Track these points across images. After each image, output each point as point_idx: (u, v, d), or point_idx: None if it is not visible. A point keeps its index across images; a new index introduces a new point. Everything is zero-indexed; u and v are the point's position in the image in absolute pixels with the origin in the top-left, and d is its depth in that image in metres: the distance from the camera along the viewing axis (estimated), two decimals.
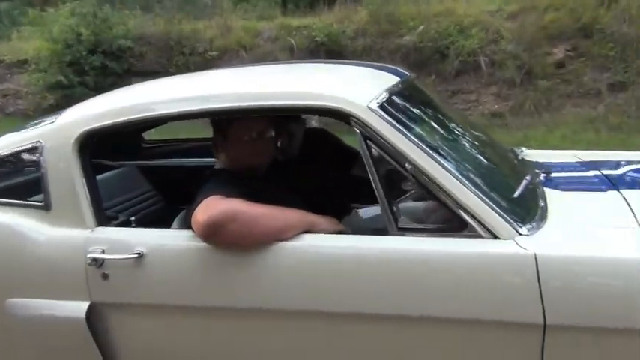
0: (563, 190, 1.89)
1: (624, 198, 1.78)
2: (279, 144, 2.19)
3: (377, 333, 1.62)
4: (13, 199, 1.95)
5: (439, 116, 2.07)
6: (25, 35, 10.01)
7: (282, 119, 2.17)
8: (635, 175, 2.15)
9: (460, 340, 1.56)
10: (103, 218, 1.87)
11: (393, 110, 1.72)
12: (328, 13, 9.60)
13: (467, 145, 2.01)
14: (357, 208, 2.56)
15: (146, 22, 9.71)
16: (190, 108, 1.80)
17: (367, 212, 2.59)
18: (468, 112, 7.72)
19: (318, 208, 1.81)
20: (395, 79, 2.01)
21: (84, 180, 1.84)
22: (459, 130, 2.08)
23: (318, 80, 1.96)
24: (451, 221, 1.58)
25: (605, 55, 7.60)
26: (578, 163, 2.27)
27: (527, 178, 1.82)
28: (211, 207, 1.64)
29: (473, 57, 8.12)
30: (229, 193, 1.70)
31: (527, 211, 1.65)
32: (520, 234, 1.53)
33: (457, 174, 1.59)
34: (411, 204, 1.70)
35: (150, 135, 3.41)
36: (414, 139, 1.63)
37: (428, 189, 1.59)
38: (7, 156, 2.00)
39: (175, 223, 1.99)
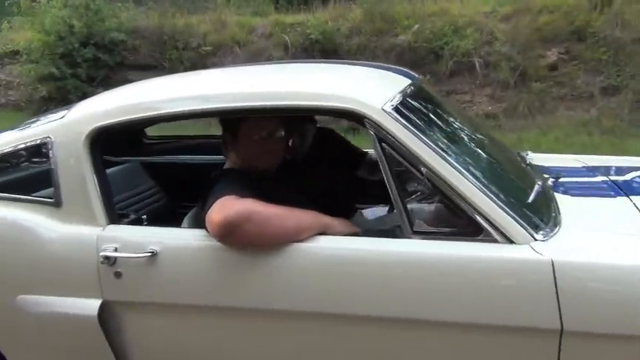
0: (573, 195, 1.91)
1: (635, 204, 1.80)
2: (290, 143, 2.18)
3: (391, 337, 1.62)
4: (22, 194, 1.93)
5: (450, 119, 2.08)
6: (15, 26, 9.88)
7: (295, 119, 2.17)
8: None
9: (476, 345, 1.56)
10: (115, 216, 1.86)
11: (406, 112, 1.73)
12: (322, 10, 9.58)
13: (478, 148, 2.02)
14: (361, 209, 2.58)
15: (139, 15, 9.62)
16: (204, 106, 1.79)
17: (372, 213, 2.60)
18: None
19: (324, 208, 1.81)
20: (406, 82, 2.01)
21: (95, 176, 1.83)
22: (470, 133, 2.09)
23: (331, 81, 1.96)
24: (466, 225, 1.59)
25: (598, 58, 7.65)
26: (584, 167, 2.29)
27: (539, 183, 1.84)
28: (227, 207, 1.64)
29: (467, 58, 8.14)
30: (242, 193, 1.70)
31: (541, 216, 1.66)
32: (535, 239, 1.54)
33: (472, 178, 1.60)
34: (425, 207, 1.71)
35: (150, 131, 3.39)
36: (429, 142, 1.63)
37: (443, 192, 1.60)
38: (15, 151, 1.97)
39: (185, 221, 1.98)
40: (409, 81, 2.03)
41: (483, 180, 1.63)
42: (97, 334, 1.77)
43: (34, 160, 1.99)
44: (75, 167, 1.83)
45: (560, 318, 1.47)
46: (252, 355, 1.76)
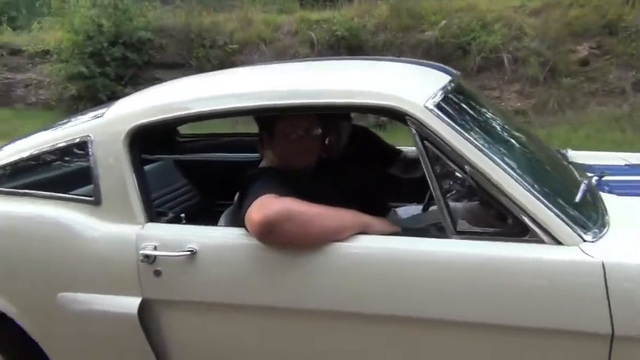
0: (619, 194, 1.86)
1: None
2: (326, 142, 2.16)
3: (433, 338, 1.60)
4: (62, 192, 1.94)
5: (490, 116, 2.04)
6: (45, 26, 10.03)
7: (331, 117, 2.15)
8: None
9: (522, 348, 1.53)
10: (154, 214, 1.86)
11: (448, 110, 1.70)
12: (348, 7, 9.55)
13: (520, 146, 1.97)
14: (394, 207, 2.56)
15: (166, 14, 9.70)
16: (243, 105, 1.78)
17: (406, 212, 2.57)
18: None
19: (359, 207, 1.79)
20: (446, 78, 1.98)
21: (134, 175, 1.84)
22: (510, 130, 2.04)
23: (371, 78, 1.93)
24: (511, 225, 1.55)
25: (630, 53, 7.50)
26: (628, 165, 2.23)
27: (585, 182, 1.79)
28: (266, 206, 1.62)
29: (495, 53, 8.04)
30: (281, 192, 1.69)
31: (588, 216, 1.61)
32: (584, 240, 1.50)
33: (517, 176, 1.56)
34: (468, 206, 1.67)
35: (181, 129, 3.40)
36: (472, 140, 1.60)
37: (487, 191, 1.56)
38: (55, 150, 1.98)
39: (222, 219, 1.98)
40: (448, 77, 2.00)
41: (528, 179, 1.59)
42: (136, 332, 1.78)
43: (74, 158, 2.00)
44: (114, 165, 1.84)
45: (612, 322, 1.42)
46: (292, 354, 1.75)
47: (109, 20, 8.92)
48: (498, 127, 1.99)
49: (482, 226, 1.60)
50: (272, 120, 1.95)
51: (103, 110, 2.01)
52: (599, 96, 7.53)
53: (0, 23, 11.19)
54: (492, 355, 1.57)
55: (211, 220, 2.00)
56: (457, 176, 1.60)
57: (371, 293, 1.60)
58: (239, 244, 1.71)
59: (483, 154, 1.57)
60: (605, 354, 1.45)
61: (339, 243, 1.63)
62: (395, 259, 1.60)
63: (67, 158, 2.03)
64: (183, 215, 2.05)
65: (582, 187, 1.74)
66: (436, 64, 2.28)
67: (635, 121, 6.96)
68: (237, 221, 1.83)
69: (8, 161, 2.06)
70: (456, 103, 1.81)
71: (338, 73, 2.12)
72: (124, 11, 9.12)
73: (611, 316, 1.42)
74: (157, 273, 1.75)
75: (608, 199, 1.79)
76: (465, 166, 1.57)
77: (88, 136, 1.89)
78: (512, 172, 1.56)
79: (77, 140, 1.93)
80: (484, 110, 2.04)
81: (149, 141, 2.80)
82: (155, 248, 1.74)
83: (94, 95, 8.84)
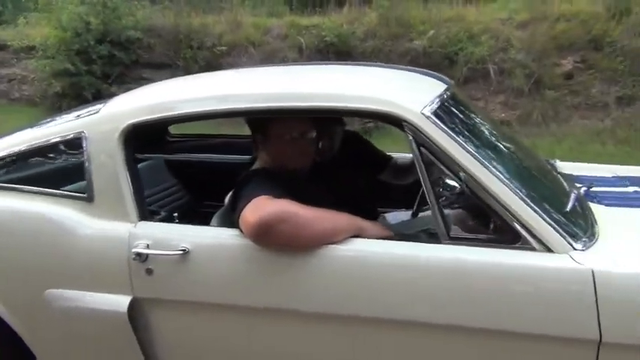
0: (607, 205, 1.89)
1: None
2: (320, 145, 2.17)
3: (425, 341, 1.61)
4: (54, 188, 1.93)
5: (484, 125, 2.07)
6: (32, 21, 9.93)
7: (325, 121, 2.16)
8: None
9: (511, 353, 1.55)
10: (146, 212, 1.85)
11: (445, 117, 1.72)
12: (338, 13, 9.60)
13: (513, 156, 2.00)
14: (383, 213, 2.57)
15: (155, 14, 9.66)
16: (243, 106, 1.78)
17: (394, 217, 2.59)
18: None
19: (348, 211, 1.79)
20: (442, 86, 2.00)
21: (128, 173, 1.83)
22: (503, 139, 2.07)
23: (368, 84, 1.95)
24: (504, 232, 1.58)
25: (614, 68, 7.62)
26: (615, 177, 2.27)
27: (575, 192, 1.82)
28: (261, 207, 1.63)
29: (482, 64, 8.13)
30: (276, 193, 1.69)
31: (579, 225, 1.64)
32: (575, 249, 1.52)
33: (510, 184, 1.58)
34: (461, 213, 1.69)
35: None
36: (468, 147, 1.62)
37: (481, 198, 1.58)
38: (48, 145, 1.97)
39: (214, 220, 1.97)
40: (444, 85, 2.02)
41: (521, 187, 1.61)
42: (126, 330, 1.77)
43: (67, 154, 1.98)
44: (108, 163, 1.83)
45: (600, 328, 1.45)
46: (282, 355, 1.75)
47: (98, 18, 8.85)
48: (492, 137, 2.02)
49: (479, 233, 1.61)
50: (267, 122, 1.96)
51: (98, 107, 2.00)
52: (582, 109, 7.65)
53: None
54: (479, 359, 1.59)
55: (200, 220, 1.99)
56: (452, 183, 1.62)
57: (363, 296, 1.61)
58: (232, 245, 1.71)
59: (478, 161, 1.60)
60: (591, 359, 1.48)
61: (333, 245, 1.64)
62: (388, 262, 1.61)
63: (59, 154, 2.02)
64: (176, 214, 2.05)
65: (572, 196, 1.77)
66: (431, 72, 2.31)
67: (618, 135, 7.08)
68: (230, 222, 1.84)
69: None
70: (451, 111, 1.84)
71: (335, 77, 2.14)
72: (112, 9, 9.06)
73: (599, 323, 1.45)
74: (149, 271, 1.74)
75: (597, 210, 1.82)
76: (460, 173, 1.59)
77: (83, 132, 1.88)
78: (506, 181, 1.59)
79: (71, 136, 1.92)
80: (478, 119, 2.07)
81: (141, 140, 2.81)
82: (148, 247, 1.74)
83: (79, 93, 8.77)
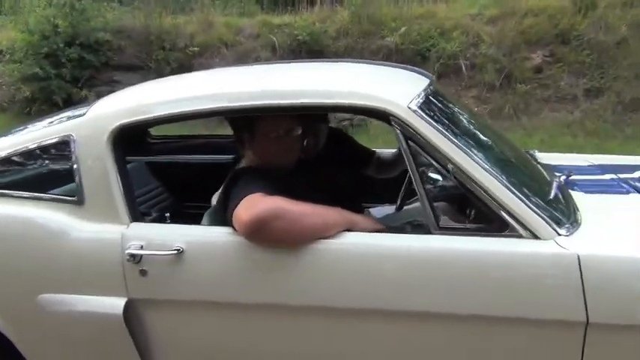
0: (586, 192, 1.96)
1: None
2: (305, 143, 2.20)
3: (419, 331, 1.65)
4: (42, 193, 1.92)
5: (468, 118, 2.12)
6: None
7: (310, 118, 2.19)
8: None
9: (503, 337, 1.60)
10: (138, 214, 1.86)
11: (431, 111, 1.76)
12: (309, 12, 9.63)
13: (496, 147, 2.06)
14: (367, 208, 2.61)
15: (125, 15, 9.54)
16: (233, 104, 1.79)
17: (379, 212, 2.64)
18: None
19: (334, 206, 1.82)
20: (425, 80, 2.05)
21: (118, 174, 1.83)
22: (486, 131, 2.13)
23: (353, 80, 1.98)
24: (492, 221, 1.63)
25: (581, 61, 7.81)
26: (591, 166, 2.35)
27: (556, 180, 1.88)
28: (255, 204, 1.64)
29: (454, 60, 8.25)
30: (267, 190, 1.71)
31: (562, 212, 1.70)
32: (559, 234, 1.58)
33: (497, 175, 1.63)
34: (450, 203, 1.74)
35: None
36: (454, 139, 1.67)
37: (469, 189, 1.63)
38: (35, 149, 1.95)
39: (205, 219, 1.98)
40: (426, 79, 2.07)
41: (506, 177, 1.67)
42: (122, 332, 1.77)
43: (55, 158, 1.97)
44: (98, 165, 1.83)
45: (586, 310, 1.51)
46: (279, 351, 1.77)
47: (66, 20, 8.70)
48: (475, 129, 2.07)
49: (467, 222, 1.66)
50: (252, 120, 1.97)
51: (84, 109, 1.99)
52: (552, 102, 7.82)
53: None
54: (473, 345, 1.64)
55: (187, 220, 2.00)
56: (440, 175, 1.67)
57: (357, 289, 1.65)
58: (226, 243, 1.72)
59: (465, 153, 1.64)
60: (579, 340, 1.54)
61: (326, 240, 1.67)
62: (381, 254, 1.65)
63: (47, 158, 2.00)
64: (167, 215, 2.05)
65: (554, 184, 1.84)
66: (412, 67, 2.36)
67: (587, 127, 7.26)
68: (221, 221, 1.85)
69: None
70: (436, 105, 1.88)
71: (318, 74, 2.16)
72: (80, 11, 8.91)
73: (585, 305, 1.51)
74: (143, 272, 1.75)
75: (578, 197, 1.89)
76: (448, 165, 1.63)
77: (71, 135, 1.87)
78: (492, 171, 1.64)
79: (58, 139, 1.90)
80: (461, 112, 2.13)
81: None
82: (141, 247, 1.74)
83: (49, 97, 8.62)
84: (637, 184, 2.07)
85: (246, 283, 1.72)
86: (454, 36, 8.29)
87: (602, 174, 2.21)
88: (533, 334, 1.57)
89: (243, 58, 8.83)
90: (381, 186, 2.84)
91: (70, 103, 8.42)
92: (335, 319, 1.69)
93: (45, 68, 8.56)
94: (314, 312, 1.69)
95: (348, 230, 1.71)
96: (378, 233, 1.73)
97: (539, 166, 2.17)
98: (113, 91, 2.28)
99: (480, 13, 8.69)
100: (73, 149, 1.86)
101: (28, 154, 1.99)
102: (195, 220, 1.98)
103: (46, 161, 2.01)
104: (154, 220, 1.97)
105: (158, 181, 2.99)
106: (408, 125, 1.67)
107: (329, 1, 9.99)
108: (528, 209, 1.60)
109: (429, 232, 1.66)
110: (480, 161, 1.64)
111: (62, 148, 1.89)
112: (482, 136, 2.03)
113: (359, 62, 2.60)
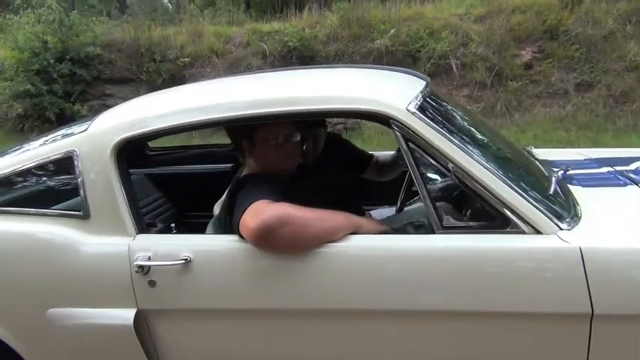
0: (584, 186, 1.99)
1: None
2: (304, 148, 2.22)
3: (428, 329, 1.67)
4: (48, 208, 1.93)
5: (464, 117, 2.15)
6: None
7: (308, 124, 2.21)
8: None
9: (511, 332, 1.62)
10: (144, 225, 1.87)
11: (429, 113, 1.79)
12: (298, 18, 9.68)
13: (495, 145, 2.08)
14: (367, 210, 2.64)
15: (114, 28, 9.57)
16: (236, 114, 1.81)
17: (379, 214, 2.66)
18: None
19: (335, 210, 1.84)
20: (421, 82, 2.08)
21: (122, 187, 1.84)
22: (484, 131, 2.15)
23: (350, 85, 2.00)
24: (494, 219, 1.65)
25: (570, 56, 7.90)
26: (588, 160, 2.38)
27: (555, 175, 1.91)
28: (262, 211, 1.65)
29: (444, 60, 8.32)
30: (272, 197, 1.73)
31: (562, 206, 1.73)
32: (561, 229, 1.61)
33: (497, 173, 1.66)
34: (452, 203, 1.77)
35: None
36: (454, 140, 1.69)
37: (470, 188, 1.65)
38: (38, 166, 1.97)
39: (209, 228, 2.00)
40: (422, 81, 2.10)
41: (506, 174, 1.69)
42: (133, 343, 1.78)
43: (59, 173, 1.98)
44: (102, 179, 1.84)
45: (591, 302, 1.53)
46: (290, 356, 1.78)
47: (55, 36, 8.74)
48: (473, 128, 2.10)
49: (470, 221, 1.69)
50: (251, 128, 1.99)
51: (85, 125, 2.01)
52: (544, 98, 7.89)
53: None
54: (481, 341, 1.66)
55: (190, 230, 2.02)
56: (441, 175, 1.69)
57: (367, 291, 1.66)
58: (233, 250, 1.73)
59: (465, 152, 1.67)
60: (585, 332, 1.57)
61: (332, 243, 1.69)
62: (389, 256, 1.67)
63: (51, 174, 2.01)
64: (173, 225, 2.07)
65: (554, 180, 1.86)
66: (406, 69, 2.38)
67: (579, 121, 7.33)
68: (226, 229, 1.87)
69: None
70: (433, 106, 1.91)
71: (315, 80, 2.18)
72: (69, 27, 8.95)
73: (590, 297, 1.53)
74: (152, 283, 1.76)
75: (576, 191, 1.92)
76: (449, 165, 1.66)
77: (74, 150, 1.89)
78: (493, 169, 1.66)
79: (61, 155, 1.92)
80: (458, 112, 2.15)
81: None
82: (149, 258, 1.76)
83: (42, 113, 8.64)
84: (633, 175, 2.10)
85: (254, 290, 1.73)
86: (443, 36, 8.37)
87: (599, 167, 2.24)
88: (540, 328, 1.60)
89: (234, 66, 8.88)
90: (380, 188, 2.87)
91: (62, 118, 8.44)
92: (345, 322, 1.71)
93: (36, 85, 8.59)
94: (323, 316, 1.71)
95: (354, 233, 1.73)
96: (383, 235, 1.75)
97: (536, 162, 2.20)
98: (105, 105, 2.31)
99: (468, 12, 8.77)
100: (76, 164, 1.87)
101: (32, 172, 2.00)
102: (199, 229, 2.00)
103: (51, 177, 2.02)
104: (160, 231, 1.98)
105: (160, 191, 3.00)
106: (407, 127, 1.69)
107: (317, 7, 10.05)
108: (530, 205, 1.62)
109: (432, 232, 1.68)
110: (479, 160, 1.67)
111: (66, 163, 1.91)
112: (480, 135, 2.06)
113: (354, 67, 2.62)
